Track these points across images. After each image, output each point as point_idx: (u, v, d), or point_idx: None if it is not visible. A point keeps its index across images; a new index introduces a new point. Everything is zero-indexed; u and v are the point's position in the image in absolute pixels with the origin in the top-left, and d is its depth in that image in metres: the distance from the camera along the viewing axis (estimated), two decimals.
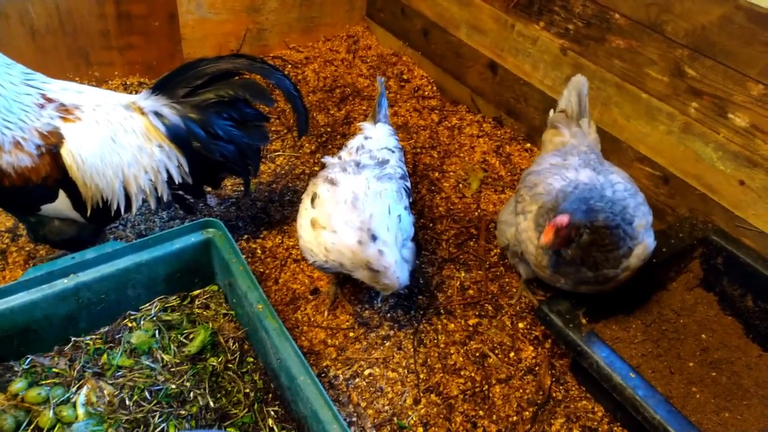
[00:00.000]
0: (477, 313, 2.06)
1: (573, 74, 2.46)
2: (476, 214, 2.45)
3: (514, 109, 2.84)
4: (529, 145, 2.81)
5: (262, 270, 2.15)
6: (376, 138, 1.99)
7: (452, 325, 2.01)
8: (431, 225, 2.38)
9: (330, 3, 3.42)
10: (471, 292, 2.13)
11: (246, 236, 2.28)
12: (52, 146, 1.64)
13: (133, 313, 1.81)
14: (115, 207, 1.80)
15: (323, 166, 1.91)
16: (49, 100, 1.65)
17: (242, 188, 2.38)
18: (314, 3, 3.35)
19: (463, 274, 2.19)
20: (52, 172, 1.66)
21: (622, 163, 2.41)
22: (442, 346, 1.94)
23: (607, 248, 1.63)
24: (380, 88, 2.16)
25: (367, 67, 3.34)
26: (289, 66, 3.29)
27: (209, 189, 2.05)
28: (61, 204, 1.73)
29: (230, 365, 1.73)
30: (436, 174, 2.64)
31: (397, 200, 1.77)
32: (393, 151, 1.96)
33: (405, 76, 3.27)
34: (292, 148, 2.75)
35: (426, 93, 3.18)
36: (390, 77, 3.25)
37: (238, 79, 1.83)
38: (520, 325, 2.03)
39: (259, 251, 2.23)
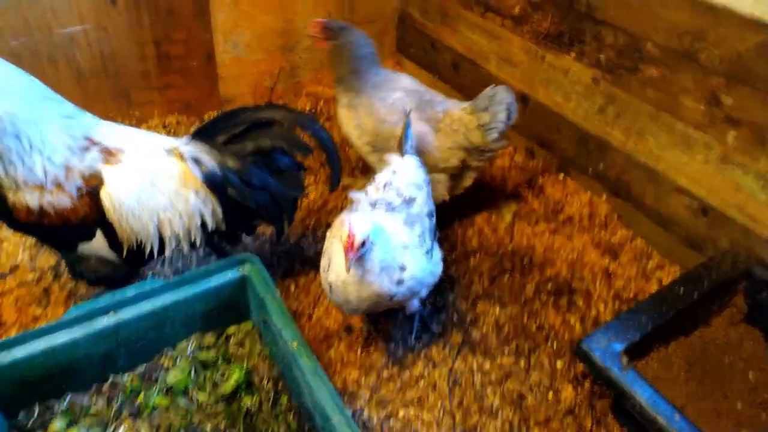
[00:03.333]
0: (513, 351, 2.02)
1: (606, 104, 2.46)
2: (510, 247, 2.42)
3: (546, 141, 2.83)
4: (562, 176, 2.79)
5: (295, 306, 2.16)
6: (404, 172, 1.98)
7: (488, 364, 1.97)
8: (464, 259, 2.36)
9: None
10: (507, 328, 2.09)
11: (280, 272, 2.30)
12: (92, 188, 1.69)
13: (169, 350, 1.83)
14: (149, 249, 1.83)
15: (351, 202, 1.92)
16: (94, 143, 1.71)
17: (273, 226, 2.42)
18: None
19: (498, 310, 2.15)
20: (91, 213, 1.71)
21: (659, 194, 2.37)
22: (478, 386, 1.91)
23: None
24: (406, 119, 2.17)
25: None
26: (321, 102, 3.34)
27: (243, 235, 2.07)
28: (98, 244, 1.78)
29: (264, 405, 1.73)
30: (468, 207, 2.62)
31: (418, 245, 1.76)
32: (421, 187, 1.94)
33: None
34: (325, 182, 2.77)
35: None
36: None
37: (276, 129, 1.86)
38: (559, 363, 1.98)
39: (292, 287, 2.24)
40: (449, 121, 2.34)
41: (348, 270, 1.54)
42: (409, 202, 1.84)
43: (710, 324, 1.95)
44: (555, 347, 2.04)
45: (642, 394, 1.60)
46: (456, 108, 2.37)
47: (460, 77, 3.22)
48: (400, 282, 1.66)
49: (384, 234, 1.60)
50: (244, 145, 1.87)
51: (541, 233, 2.50)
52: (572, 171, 2.75)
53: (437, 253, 1.87)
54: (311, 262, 2.34)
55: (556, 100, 2.69)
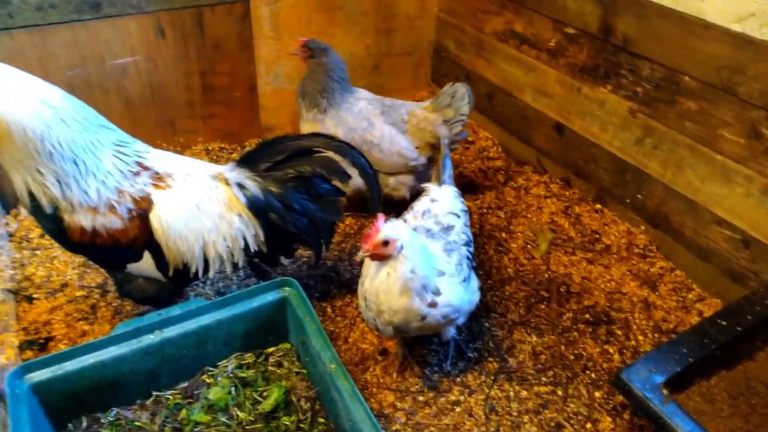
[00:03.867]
0: (551, 380, 2.00)
1: (643, 136, 2.47)
2: (546, 276, 2.42)
3: (582, 170, 2.84)
4: (599, 206, 2.78)
5: (332, 329, 2.19)
6: (441, 200, 2.02)
7: (525, 392, 1.96)
8: (500, 286, 2.37)
9: (397, 70, 3.57)
10: (544, 357, 2.08)
11: (317, 294, 2.33)
12: (142, 211, 1.76)
13: (211, 369, 1.87)
14: (193, 270, 1.89)
15: None
16: (145, 168, 1.79)
17: (311, 249, 2.47)
18: (382, 71, 3.51)
19: (534, 339, 2.15)
20: (140, 235, 1.77)
21: (699, 226, 2.35)
22: (514, 414, 1.89)
23: None
24: (444, 149, 2.21)
25: None
26: None
27: (282, 258, 2.12)
28: (146, 264, 1.84)
29: (302, 425, 1.75)
30: (503, 234, 2.64)
31: (456, 273, 1.78)
32: (459, 216, 1.97)
33: (470, 138, 3.33)
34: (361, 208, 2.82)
35: (491, 154, 3.22)
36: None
37: (316, 156, 1.92)
38: (597, 394, 1.96)
39: (329, 310, 2.27)
40: (416, 120, 2.53)
41: (358, 258, 1.60)
42: (447, 229, 1.87)
43: (755, 359, 1.90)
44: (593, 377, 2.02)
45: (683, 427, 1.57)
46: (418, 108, 2.57)
47: (494, 107, 3.27)
48: (432, 305, 1.67)
49: (418, 247, 1.62)
50: (286, 172, 1.93)
51: (578, 262, 2.49)
52: (609, 201, 2.75)
53: (474, 282, 1.89)
54: (347, 285, 2.38)
55: (593, 130, 2.71)
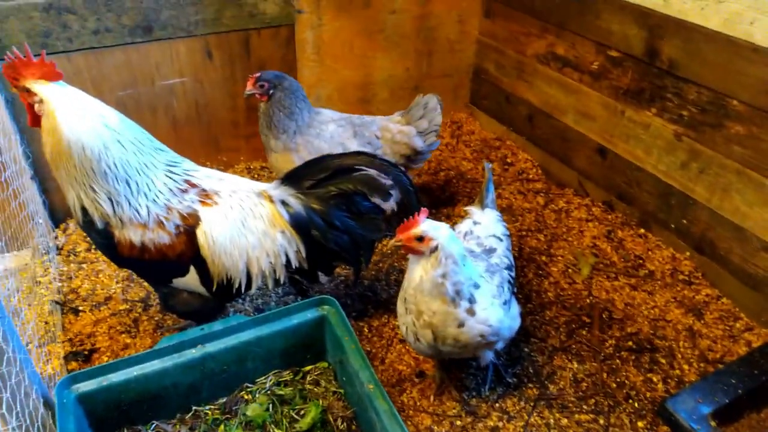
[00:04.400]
0: (592, 408, 1.95)
1: (689, 160, 2.42)
2: (588, 301, 2.38)
3: (625, 194, 2.79)
4: (643, 230, 2.73)
5: (368, 348, 2.18)
6: (484, 224, 2.02)
7: (565, 420, 1.91)
8: (540, 311, 2.33)
9: (436, 92, 3.53)
10: (585, 385, 2.03)
11: (354, 314, 2.34)
12: (189, 227, 1.80)
13: (249, 385, 1.89)
14: (237, 285, 1.92)
15: None
16: (192, 186, 1.84)
17: (350, 268, 2.48)
18: (422, 92, 3.50)
19: (575, 365, 2.10)
20: (186, 250, 1.82)
21: (747, 253, 2.27)
22: None
23: None
24: (487, 173, 2.21)
25: (471, 151, 3.43)
26: None
27: (322, 274, 2.14)
28: (191, 279, 1.88)
29: None
30: (544, 258, 2.60)
31: (497, 294, 1.76)
32: (501, 239, 1.96)
33: (509, 160, 3.32)
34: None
35: (530, 176, 3.20)
36: (494, 161, 3.31)
37: (358, 175, 1.95)
38: (640, 423, 1.90)
39: (366, 329, 2.27)
40: (389, 135, 2.56)
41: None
42: (489, 252, 1.86)
43: None
44: (636, 406, 1.96)
45: None
46: (390, 122, 2.60)
47: (534, 129, 3.25)
48: (470, 312, 1.65)
49: (455, 254, 1.60)
50: (328, 189, 1.95)
51: (621, 288, 2.44)
52: (653, 225, 2.69)
53: (515, 308, 1.86)
54: (384, 305, 2.37)
55: (637, 154, 2.67)
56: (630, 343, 2.19)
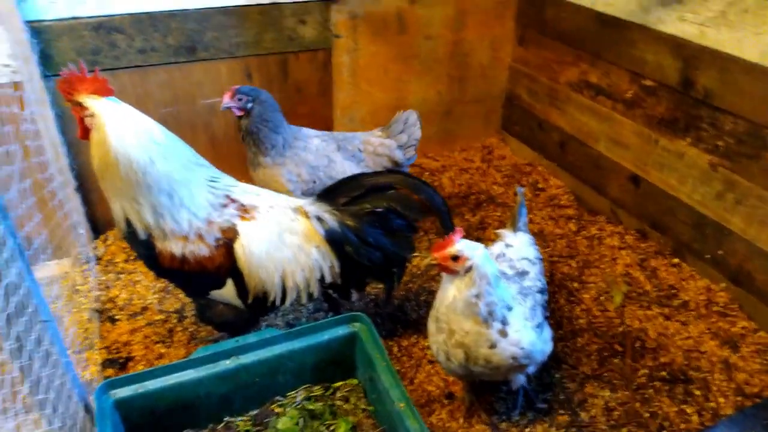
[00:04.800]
0: None
1: (725, 190, 2.40)
2: (620, 329, 2.35)
3: (659, 223, 2.77)
4: (677, 260, 2.70)
5: (398, 368, 2.18)
6: (516, 246, 2.02)
7: None
8: (571, 337, 2.31)
9: (468, 117, 3.63)
10: (617, 413, 2.00)
11: (383, 333, 2.34)
12: (228, 240, 1.85)
13: (280, 398, 1.90)
14: (272, 298, 1.95)
15: None
16: (232, 201, 1.89)
17: (381, 285, 2.49)
18: (453, 117, 3.58)
19: (607, 394, 2.07)
20: (225, 263, 1.86)
21: None
22: None
23: None
24: (520, 197, 2.22)
25: (501, 175, 3.44)
26: (427, 173, 3.47)
27: (354, 291, 2.17)
28: (228, 291, 1.92)
29: None
30: (575, 284, 2.59)
31: (530, 317, 1.76)
32: (534, 263, 1.97)
33: (540, 185, 3.33)
34: (429, 249, 2.84)
35: (562, 202, 3.19)
36: (525, 186, 3.32)
37: (392, 193, 1.98)
38: None
39: (395, 349, 2.28)
40: (371, 148, 2.64)
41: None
42: (521, 274, 1.86)
43: None
44: None
45: None
46: (372, 137, 2.68)
47: (566, 156, 3.26)
48: (503, 333, 1.65)
49: (489, 275, 1.61)
50: (363, 207, 1.99)
51: (654, 317, 2.40)
52: (688, 255, 2.66)
53: (547, 332, 1.85)
54: (414, 325, 2.38)
55: (671, 183, 2.65)
56: (663, 373, 2.16)
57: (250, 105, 2.39)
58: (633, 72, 2.73)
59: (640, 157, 2.79)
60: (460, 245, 1.60)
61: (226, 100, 2.36)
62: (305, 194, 2.51)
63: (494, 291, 1.62)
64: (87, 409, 1.70)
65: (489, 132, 3.78)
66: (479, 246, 1.64)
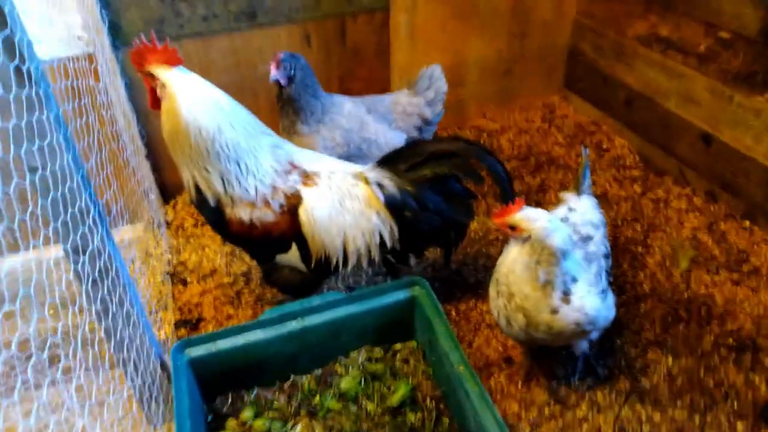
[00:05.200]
0: (687, 405, 1.90)
1: None
2: (686, 295, 2.29)
3: (730, 184, 2.64)
4: (748, 223, 2.58)
5: (456, 332, 2.21)
6: (580, 210, 1.99)
7: (658, 416, 1.87)
8: (634, 302, 2.27)
9: (529, 75, 3.52)
10: (680, 381, 1.97)
11: (441, 297, 2.36)
12: (292, 206, 1.90)
13: (342, 358, 1.98)
14: (334, 262, 2.01)
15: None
16: (295, 167, 1.93)
17: (438, 251, 2.51)
18: (513, 75, 3.48)
19: (670, 360, 2.04)
20: (289, 228, 1.92)
21: None
22: None
23: None
24: (584, 159, 2.16)
25: (563, 136, 3.35)
26: (485, 134, 3.42)
27: (413, 256, 2.20)
28: (292, 255, 1.99)
29: (427, 423, 1.80)
30: (640, 248, 2.53)
31: (594, 283, 1.74)
32: (598, 227, 1.93)
33: (604, 146, 3.22)
34: (486, 213, 2.83)
35: (627, 163, 3.09)
36: (588, 146, 3.22)
37: (453, 159, 1.98)
38: (740, 426, 1.83)
39: (453, 313, 2.31)
40: (401, 108, 2.62)
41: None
42: (586, 239, 1.83)
43: None
44: (735, 407, 1.89)
45: None
46: (400, 96, 2.66)
47: (632, 114, 3.13)
48: (566, 300, 1.65)
49: (559, 240, 1.60)
50: (423, 173, 2.00)
51: (722, 283, 2.33)
52: (760, 218, 2.54)
53: (611, 297, 1.83)
54: (472, 289, 2.40)
55: (745, 142, 2.52)
56: (730, 340, 2.10)
57: (293, 72, 2.38)
58: (708, 23, 2.56)
59: (712, 115, 2.65)
60: (520, 215, 1.59)
61: (273, 71, 2.35)
62: (340, 158, 2.51)
63: (557, 263, 1.61)
64: (163, 366, 1.82)
65: (550, 90, 3.67)
66: (542, 217, 1.62)
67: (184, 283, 2.51)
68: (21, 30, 1.18)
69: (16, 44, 1.15)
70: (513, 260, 1.67)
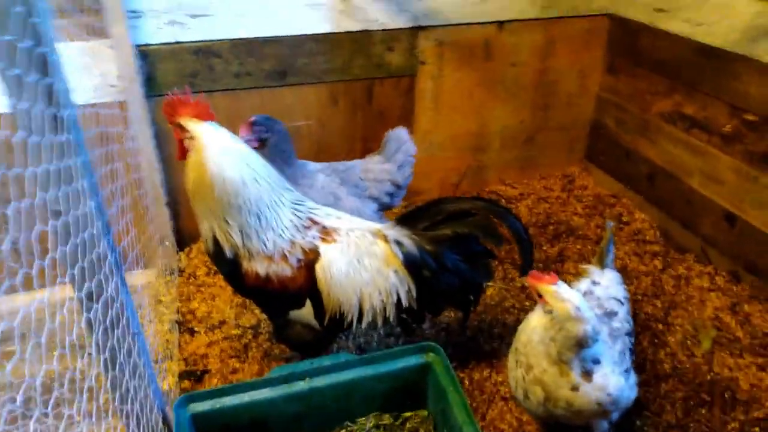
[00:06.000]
0: None
1: None
2: (708, 377, 2.20)
3: (755, 266, 2.58)
4: None
5: (468, 402, 2.13)
6: (604, 284, 1.95)
7: None
8: (654, 382, 2.19)
9: (550, 145, 3.55)
10: None
11: (454, 364, 2.30)
12: (309, 261, 1.89)
13: (350, 424, 1.90)
14: (348, 320, 1.97)
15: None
16: (315, 223, 1.93)
17: (452, 314, 2.46)
18: (535, 144, 3.51)
19: None
20: (305, 283, 1.90)
21: None
22: None
23: None
24: (608, 232, 2.13)
25: (583, 206, 3.34)
26: (503, 200, 3.42)
27: (429, 316, 2.15)
28: (306, 312, 1.95)
29: None
30: (660, 326, 2.45)
31: (618, 362, 1.68)
32: (622, 303, 1.88)
33: (624, 219, 3.20)
34: (503, 280, 2.78)
35: (647, 237, 3.05)
36: (607, 218, 3.20)
37: (473, 219, 1.96)
38: None
39: (466, 382, 2.24)
40: (372, 175, 2.55)
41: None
42: (610, 315, 1.79)
43: None
44: None
45: None
46: (369, 163, 2.59)
47: (654, 189, 3.11)
48: (586, 377, 1.58)
49: (582, 328, 1.56)
50: (442, 231, 1.98)
51: (746, 367, 2.24)
52: None
53: (633, 377, 1.77)
54: (486, 357, 2.33)
55: None
56: (757, 429, 2.00)
57: (266, 135, 2.34)
58: (733, 105, 2.58)
59: (736, 194, 2.63)
60: (552, 288, 1.55)
61: (242, 133, 2.30)
62: None
63: (574, 349, 1.57)
64: (165, 420, 1.77)
65: (571, 161, 3.68)
66: (573, 300, 1.56)
67: (192, 332, 2.48)
68: (61, 78, 1.21)
69: (55, 92, 1.17)
70: (532, 329, 1.62)
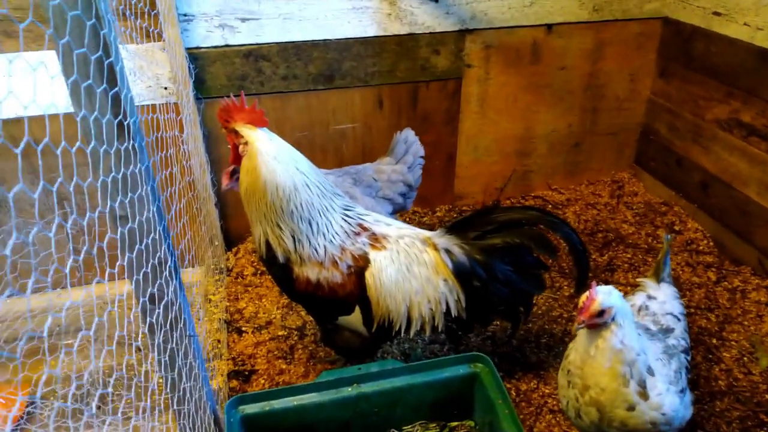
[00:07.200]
0: None
1: None
2: (767, 397, 2.12)
3: None
4: None
5: (518, 416, 2.11)
6: (660, 299, 1.89)
7: None
8: (708, 400, 2.12)
9: (598, 149, 3.48)
10: None
11: (500, 374, 2.27)
12: (359, 268, 1.89)
13: None
14: (396, 328, 1.97)
15: None
16: (364, 229, 1.93)
17: (498, 323, 2.43)
18: (583, 149, 3.45)
19: None
20: (355, 290, 1.90)
21: None
22: None
23: None
24: (666, 245, 2.07)
25: (632, 213, 3.26)
26: (550, 206, 3.36)
27: (478, 326, 2.13)
28: (355, 318, 1.96)
29: None
30: (714, 341, 2.38)
31: (674, 380, 1.63)
32: (679, 319, 1.82)
33: (676, 227, 3.11)
34: (550, 288, 2.74)
35: (701, 248, 2.96)
36: (658, 227, 3.11)
37: (526, 229, 1.93)
38: None
39: (513, 393, 2.21)
40: (385, 176, 2.54)
41: (574, 330, 1.57)
42: (666, 331, 1.73)
43: None
44: None
45: None
46: (380, 165, 2.58)
47: (708, 198, 3.02)
48: (643, 395, 1.54)
49: (630, 316, 1.54)
50: (494, 241, 1.95)
51: None
52: None
53: (688, 396, 1.71)
54: (533, 368, 2.29)
55: None
56: None
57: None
58: None
59: None
60: (601, 297, 1.52)
61: (225, 182, 2.20)
62: None
63: (633, 335, 1.55)
64: (216, 421, 1.79)
65: (620, 166, 3.60)
66: (612, 290, 1.55)
67: (239, 332, 2.51)
68: (126, 86, 1.24)
69: (122, 100, 1.20)
70: (595, 348, 1.57)
